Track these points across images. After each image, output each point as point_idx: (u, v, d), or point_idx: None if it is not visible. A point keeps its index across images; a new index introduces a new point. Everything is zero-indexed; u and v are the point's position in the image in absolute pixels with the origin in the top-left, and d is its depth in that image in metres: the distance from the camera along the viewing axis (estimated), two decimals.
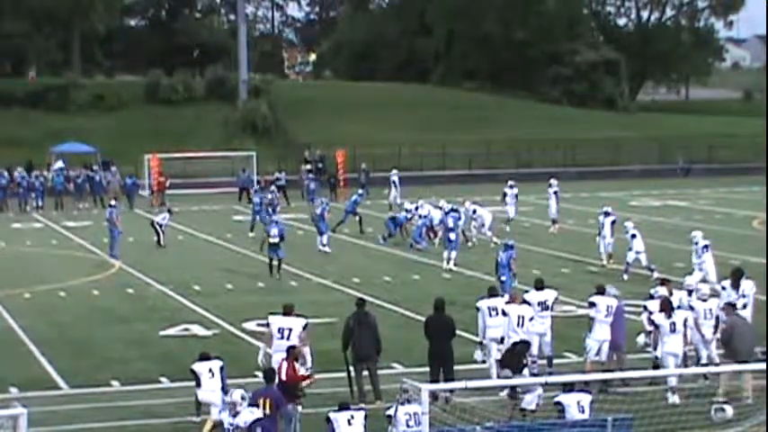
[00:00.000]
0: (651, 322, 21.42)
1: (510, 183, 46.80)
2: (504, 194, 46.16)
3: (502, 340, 21.38)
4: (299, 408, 19.33)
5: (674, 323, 20.93)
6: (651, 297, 22.74)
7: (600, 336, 21.83)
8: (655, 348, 21.32)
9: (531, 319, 21.72)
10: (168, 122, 78.80)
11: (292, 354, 18.92)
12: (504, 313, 21.59)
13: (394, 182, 53.79)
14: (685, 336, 21.13)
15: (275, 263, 34.62)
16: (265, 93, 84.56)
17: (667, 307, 21.15)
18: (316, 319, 22.62)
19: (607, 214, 36.29)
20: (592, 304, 22.16)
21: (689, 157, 75.65)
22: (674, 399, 20.16)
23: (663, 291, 22.65)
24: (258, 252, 36.55)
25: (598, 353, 21.82)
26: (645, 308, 22.35)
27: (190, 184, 62.30)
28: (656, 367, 21.18)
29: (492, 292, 22.41)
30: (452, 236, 36.36)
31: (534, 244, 40.12)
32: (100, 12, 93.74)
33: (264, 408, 16.80)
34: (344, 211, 45.41)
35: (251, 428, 16.16)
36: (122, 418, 20.18)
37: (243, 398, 16.62)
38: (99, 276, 35.71)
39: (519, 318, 21.46)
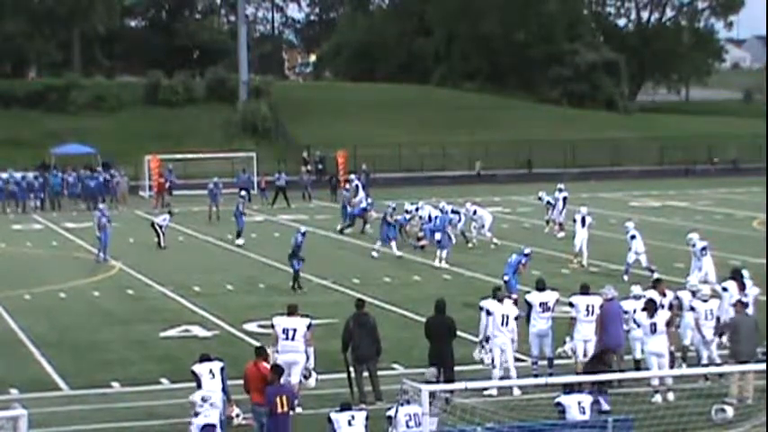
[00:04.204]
0: (633, 321, 21.50)
1: (559, 186, 45.70)
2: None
3: (487, 340, 21.41)
4: (299, 408, 19.43)
5: (654, 324, 20.93)
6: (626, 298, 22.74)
7: (582, 335, 21.85)
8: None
9: (517, 317, 21.69)
10: (168, 123, 78.86)
11: (262, 354, 18.96)
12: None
13: (356, 186, 53.12)
14: (671, 336, 21.14)
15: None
16: (265, 94, 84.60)
17: (650, 307, 21.17)
18: (316, 319, 22.60)
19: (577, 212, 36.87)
20: (571, 304, 22.24)
21: (690, 157, 75.77)
22: (658, 399, 20.20)
23: (638, 290, 22.66)
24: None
25: (585, 354, 21.83)
26: (634, 310, 22.37)
27: (190, 185, 62.31)
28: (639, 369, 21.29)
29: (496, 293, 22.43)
30: (438, 236, 36.57)
31: (534, 244, 40.03)
32: (100, 12, 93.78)
33: (282, 405, 16.94)
34: (351, 215, 45.39)
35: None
36: (123, 419, 20.18)
37: (204, 399, 16.86)
38: (99, 277, 35.72)
39: (503, 317, 21.48)
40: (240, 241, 42.31)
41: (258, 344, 20.48)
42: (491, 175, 70.78)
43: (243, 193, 48.63)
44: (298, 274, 32.70)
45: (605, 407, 18.64)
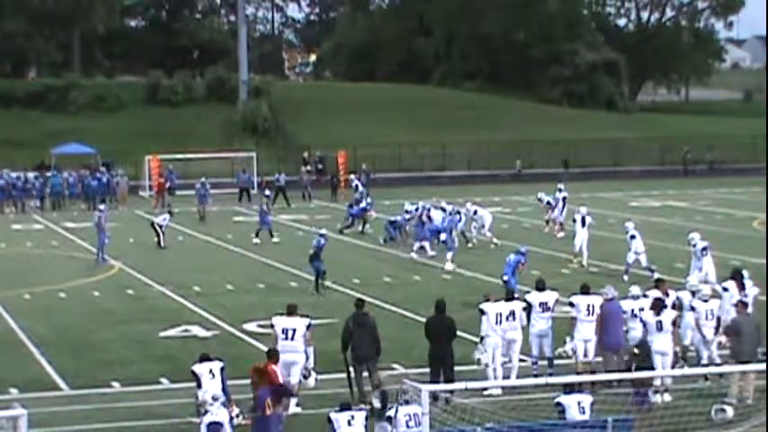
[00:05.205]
0: (640, 320, 21.49)
1: (559, 186, 45.74)
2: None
3: (481, 339, 21.40)
4: (299, 408, 19.44)
5: (660, 321, 20.91)
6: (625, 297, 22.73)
7: (582, 335, 21.85)
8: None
9: (508, 317, 21.65)
10: (168, 123, 78.88)
11: (273, 357, 18.96)
12: (513, 315, 21.67)
13: (357, 185, 53.13)
14: (674, 335, 21.15)
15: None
16: (265, 93, 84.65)
17: (657, 305, 21.18)
18: (316, 319, 22.61)
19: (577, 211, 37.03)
20: (571, 304, 22.27)
21: (689, 157, 75.73)
22: (658, 398, 20.19)
23: (636, 290, 22.66)
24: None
25: (585, 354, 21.83)
26: (632, 310, 22.35)
27: (190, 185, 62.30)
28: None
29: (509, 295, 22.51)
30: (443, 236, 36.60)
31: (534, 244, 40.08)
32: (100, 12, 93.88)
33: (270, 408, 16.99)
34: (350, 215, 45.36)
35: (209, 429, 16.54)
36: (123, 419, 20.17)
37: (215, 398, 17.06)
38: (99, 277, 35.71)
39: (497, 315, 21.49)
40: (275, 239, 42.29)
41: (257, 343, 20.49)
42: (494, 175, 70.73)
43: (267, 192, 48.93)
44: (322, 276, 32.43)
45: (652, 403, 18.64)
